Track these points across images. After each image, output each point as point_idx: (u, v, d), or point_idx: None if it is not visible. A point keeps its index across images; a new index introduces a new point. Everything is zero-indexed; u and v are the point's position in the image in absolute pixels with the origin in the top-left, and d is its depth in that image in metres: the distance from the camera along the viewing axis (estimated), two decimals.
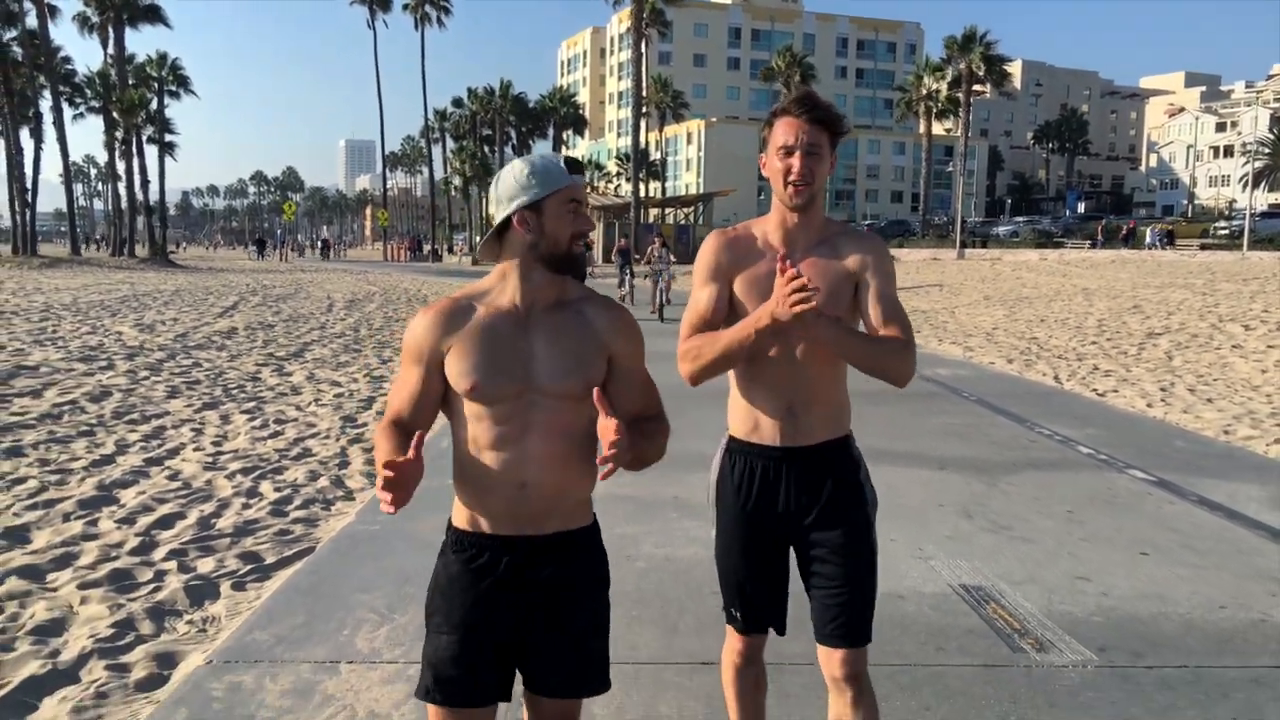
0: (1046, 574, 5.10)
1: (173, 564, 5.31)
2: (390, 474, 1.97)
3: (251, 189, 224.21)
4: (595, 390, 2.15)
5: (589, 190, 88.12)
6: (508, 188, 2.20)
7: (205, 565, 5.31)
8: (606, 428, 2.06)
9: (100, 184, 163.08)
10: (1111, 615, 4.56)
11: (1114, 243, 52.58)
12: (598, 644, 2.30)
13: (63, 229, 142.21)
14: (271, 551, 5.55)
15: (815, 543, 2.62)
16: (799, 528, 2.64)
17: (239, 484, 6.97)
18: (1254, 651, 4.19)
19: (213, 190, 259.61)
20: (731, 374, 2.68)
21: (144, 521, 6.03)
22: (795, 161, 2.51)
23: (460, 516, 2.27)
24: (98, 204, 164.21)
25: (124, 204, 59.67)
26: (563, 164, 2.21)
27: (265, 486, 6.93)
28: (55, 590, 4.91)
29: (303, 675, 3.84)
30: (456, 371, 2.19)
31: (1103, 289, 25.40)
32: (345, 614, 4.48)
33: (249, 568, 5.29)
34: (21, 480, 6.89)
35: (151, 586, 4.98)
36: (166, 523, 6.04)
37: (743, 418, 2.68)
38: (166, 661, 4.11)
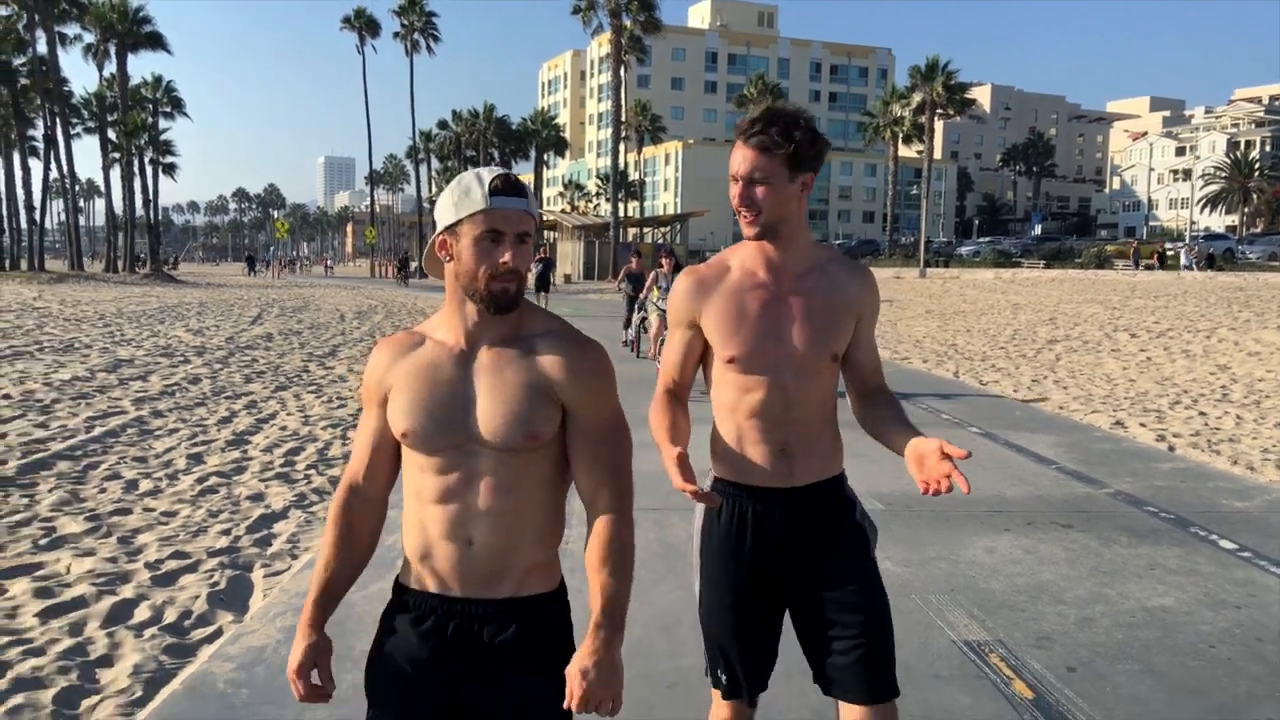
0: (867, 476, 7.93)
1: (312, 472, 8.16)
2: (303, 695, 2.03)
3: (233, 205, 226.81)
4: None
5: (571, 210, 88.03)
6: (441, 206, 1.97)
7: (334, 471, 8.15)
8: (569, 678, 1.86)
9: (83, 201, 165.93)
10: (891, 490, 7.46)
11: (1129, 267, 53.41)
12: None
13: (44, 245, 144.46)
14: None
15: (824, 593, 2.45)
16: (798, 577, 2.48)
17: (332, 434, 9.82)
18: (958, 501, 7.10)
19: (193, 206, 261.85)
20: (715, 409, 2.54)
21: (279, 451, 8.87)
22: (737, 190, 2.37)
23: (407, 573, 2.07)
24: (80, 220, 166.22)
25: (118, 221, 62.40)
26: (490, 185, 1.90)
27: (353, 434, 9.77)
28: (245, 481, 7.75)
29: None
30: (392, 414, 2.02)
31: (1031, 304, 28.53)
32: None
33: None
34: (175, 430, 9.71)
35: (304, 480, 7.83)
36: (295, 452, 8.90)
37: (730, 456, 2.50)
38: None
